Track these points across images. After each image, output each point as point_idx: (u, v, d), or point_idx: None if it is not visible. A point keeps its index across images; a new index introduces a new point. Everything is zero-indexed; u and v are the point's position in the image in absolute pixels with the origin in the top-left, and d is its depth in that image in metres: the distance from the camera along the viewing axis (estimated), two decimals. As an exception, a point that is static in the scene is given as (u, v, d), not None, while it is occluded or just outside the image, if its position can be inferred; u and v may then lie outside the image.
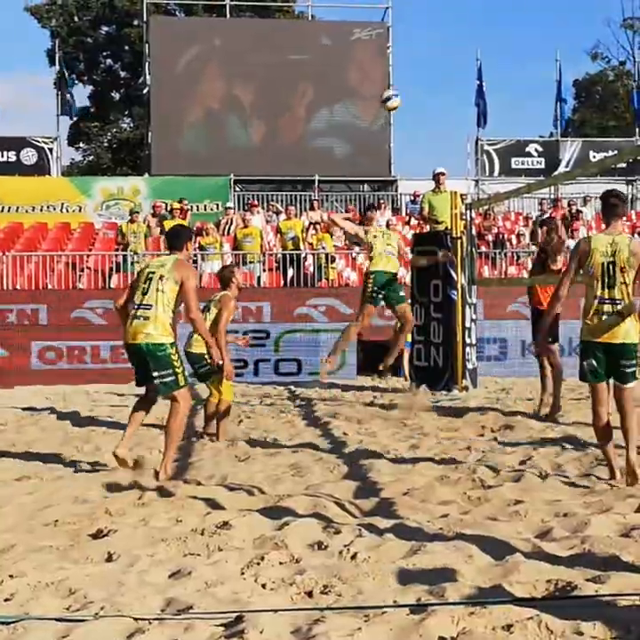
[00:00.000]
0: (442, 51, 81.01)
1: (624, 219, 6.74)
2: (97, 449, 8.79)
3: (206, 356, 8.60)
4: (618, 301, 6.57)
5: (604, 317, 6.60)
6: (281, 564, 4.78)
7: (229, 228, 20.96)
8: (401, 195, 25.59)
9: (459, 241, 12.71)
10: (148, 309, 7.22)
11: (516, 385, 14.26)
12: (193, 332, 8.94)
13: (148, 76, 26.33)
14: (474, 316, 13.27)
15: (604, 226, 6.95)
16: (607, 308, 6.59)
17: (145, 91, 26.79)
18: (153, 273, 7.33)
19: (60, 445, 9.06)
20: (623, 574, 4.32)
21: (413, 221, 23.10)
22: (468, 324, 12.85)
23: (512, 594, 4.08)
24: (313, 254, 19.02)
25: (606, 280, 6.59)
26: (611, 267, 6.59)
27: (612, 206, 6.84)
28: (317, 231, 19.78)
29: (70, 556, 4.99)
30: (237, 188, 25.54)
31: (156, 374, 7.22)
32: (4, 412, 11.82)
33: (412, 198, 24.73)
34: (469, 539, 5.10)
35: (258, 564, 4.75)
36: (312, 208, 23.07)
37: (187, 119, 25.60)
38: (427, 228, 14.43)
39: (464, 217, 12.76)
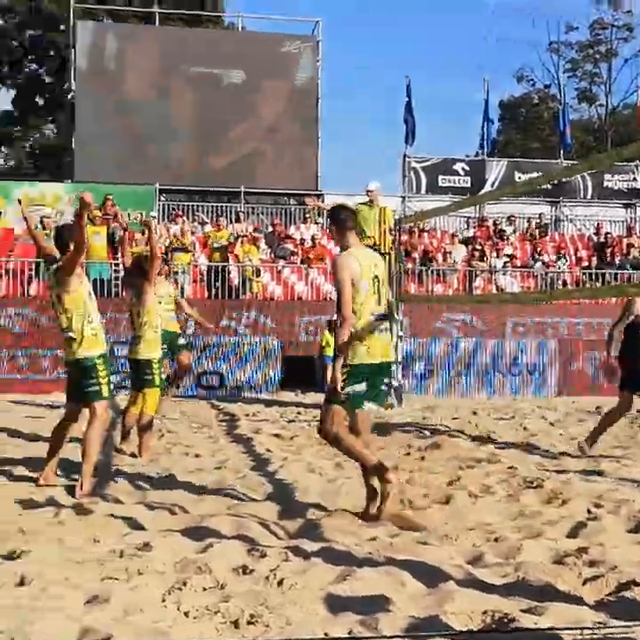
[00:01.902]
0: (371, 66, 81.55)
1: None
2: (9, 461, 8.41)
3: (155, 364, 8.69)
4: None
5: None
6: (205, 589, 4.54)
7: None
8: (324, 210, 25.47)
9: (387, 257, 12.60)
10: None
11: (439, 404, 14.21)
12: (138, 336, 8.78)
13: (73, 82, 25.85)
14: (400, 333, 13.17)
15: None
16: None
17: (69, 96, 26.28)
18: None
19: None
20: (561, 605, 4.17)
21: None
22: (393, 341, 12.73)
23: (448, 625, 3.90)
24: (238, 267, 18.79)
25: None
26: None
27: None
28: (244, 243, 19.55)
29: (-21, 579, 4.69)
30: (162, 198, 25.17)
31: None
32: None
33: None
34: (400, 564, 4.93)
35: (180, 589, 4.51)
36: (238, 220, 22.86)
37: (111, 126, 25.14)
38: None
39: (393, 233, 12.66)
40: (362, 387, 6.15)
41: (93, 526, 5.87)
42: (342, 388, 6.08)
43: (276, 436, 10.41)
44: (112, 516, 6.15)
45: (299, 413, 12.66)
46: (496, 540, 5.61)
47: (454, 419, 11.97)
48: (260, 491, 7.24)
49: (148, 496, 6.90)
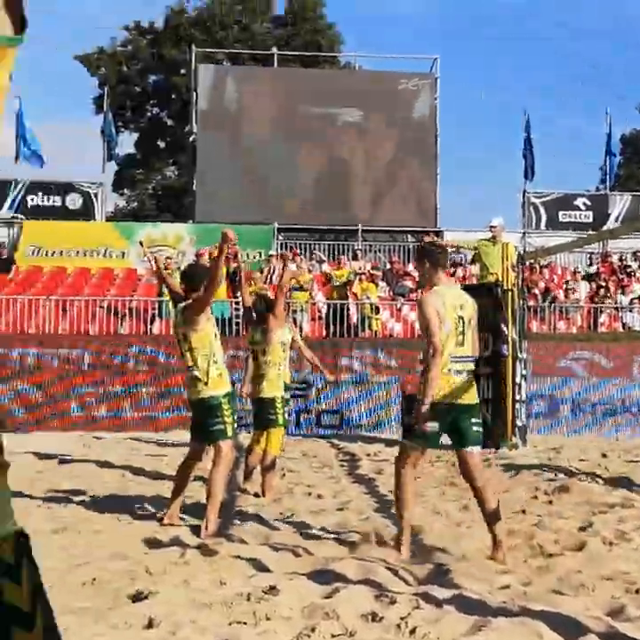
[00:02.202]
0: (489, 101, 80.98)
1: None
2: (133, 500, 8.48)
3: (279, 402, 8.66)
4: None
5: None
6: (333, 636, 4.43)
7: (272, 277, 20.76)
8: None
9: (509, 293, 12.38)
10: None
11: (565, 445, 13.81)
12: (261, 374, 8.77)
13: (194, 124, 26.41)
14: (523, 372, 12.89)
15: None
16: None
17: (191, 138, 26.85)
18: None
19: (96, 496, 8.77)
20: None
21: (459, 273, 22.83)
22: (517, 380, 12.47)
23: (594, 684, 3.69)
24: (357, 304, 18.76)
25: None
26: None
27: None
28: (362, 281, 19.52)
29: (109, 620, 4.68)
30: (280, 237, 25.41)
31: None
32: (40, 460, 11.59)
33: (456, 250, 24.45)
34: (536, 615, 4.71)
35: (308, 636, 4.40)
36: (356, 258, 22.88)
37: (231, 167, 25.57)
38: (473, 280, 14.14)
39: (516, 269, 12.44)
40: (434, 425, 6.00)
41: (219, 567, 5.83)
42: (417, 426, 6.01)
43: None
44: (237, 557, 6.10)
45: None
46: (637, 591, 5.33)
47: (582, 460, 11.59)
48: (385, 533, 7.10)
49: (272, 537, 6.83)
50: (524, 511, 8.11)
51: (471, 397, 6.24)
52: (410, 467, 6.19)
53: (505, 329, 12.31)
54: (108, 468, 10.76)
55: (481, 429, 6.30)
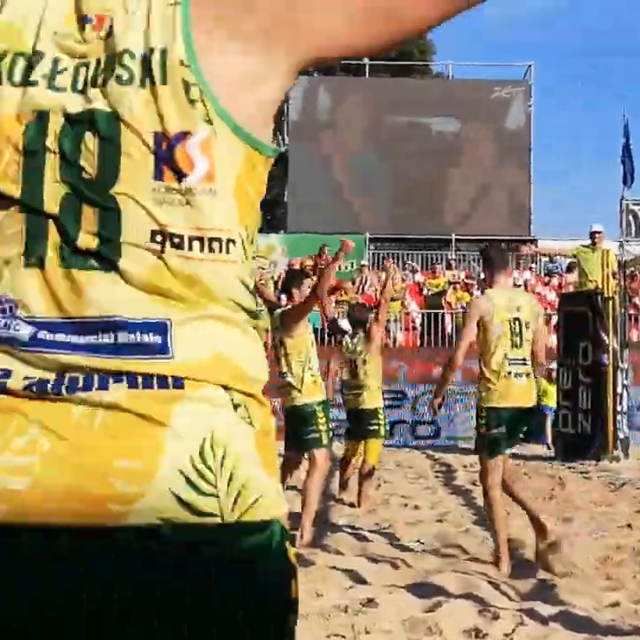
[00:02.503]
0: (584, 106, 79.55)
1: None
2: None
3: (381, 413, 8.58)
4: None
5: None
6: (436, 652, 4.28)
7: (364, 288, 20.62)
8: (540, 255, 24.86)
9: (610, 301, 12.03)
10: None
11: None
12: (362, 385, 8.65)
13: (285, 136, 26.49)
14: (625, 382, 12.51)
15: None
16: None
17: (283, 149, 26.95)
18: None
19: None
20: None
21: (554, 281, 22.41)
22: (619, 390, 12.11)
23: None
24: (452, 313, 18.49)
25: None
26: None
27: None
28: (457, 290, 19.25)
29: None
30: (371, 247, 25.27)
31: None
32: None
33: (550, 259, 24.01)
34: (649, 634, 4.49)
35: (410, 650, 4.26)
36: (449, 267, 22.62)
37: (323, 178, 25.52)
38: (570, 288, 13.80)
39: (617, 277, 12.09)
40: (501, 430, 6.04)
41: (314, 578, 5.70)
42: (483, 433, 6.09)
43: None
44: (334, 567, 5.98)
45: (517, 465, 12.13)
46: None
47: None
48: (485, 546, 6.90)
49: (368, 548, 6.69)
50: (629, 525, 7.83)
51: (531, 400, 6.25)
52: (493, 480, 6.09)
53: (605, 338, 11.96)
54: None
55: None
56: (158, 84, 1.12)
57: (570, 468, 11.71)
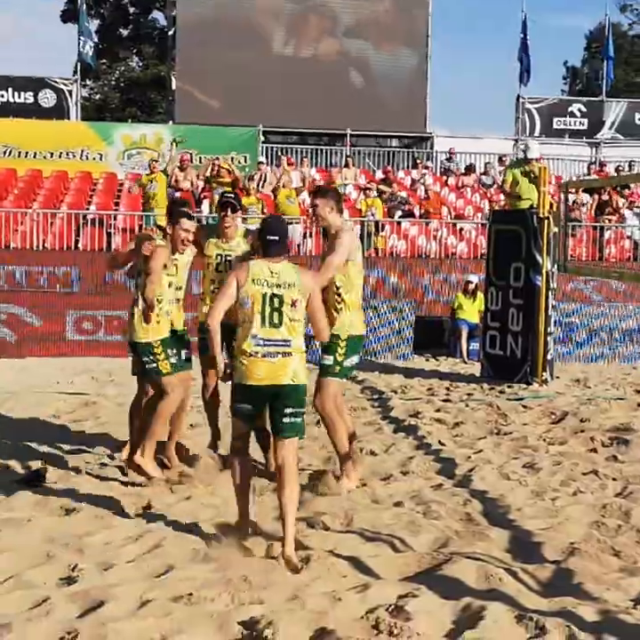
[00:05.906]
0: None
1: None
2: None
3: None
4: None
5: None
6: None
7: (263, 185, 19.79)
8: (437, 152, 24.44)
9: (546, 221, 11.68)
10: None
11: (588, 374, 13.32)
12: None
13: (174, 18, 24.89)
14: (553, 302, 12.30)
15: None
16: None
17: (170, 32, 25.42)
18: None
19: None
20: None
21: (451, 181, 22.13)
22: (549, 312, 11.89)
23: None
24: (361, 222, 17.86)
25: None
26: None
27: None
28: (368, 195, 18.60)
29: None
30: (264, 139, 24.29)
31: None
32: (49, 396, 10.80)
33: (448, 156, 23.64)
34: None
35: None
36: (346, 165, 21.95)
37: (213, 66, 24.16)
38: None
39: (555, 197, 11.73)
40: (356, 360, 6.78)
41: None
42: (341, 362, 6.59)
43: (438, 421, 9.65)
44: (331, 552, 5.48)
45: (448, 389, 11.87)
46: None
47: (620, 399, 11.06)
48: (470, 509, 6.52)
49: (352, 519, 6.21)
50: (595, 472, 7.60)
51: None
52: (337, 403, 6.83)
53: (539, 259, 11.65)
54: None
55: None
56: None
57: (501, 391, 11.47)
